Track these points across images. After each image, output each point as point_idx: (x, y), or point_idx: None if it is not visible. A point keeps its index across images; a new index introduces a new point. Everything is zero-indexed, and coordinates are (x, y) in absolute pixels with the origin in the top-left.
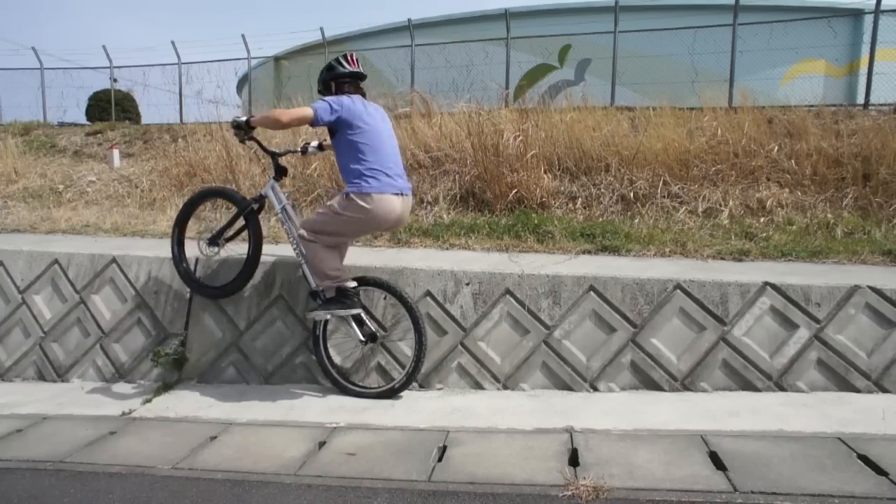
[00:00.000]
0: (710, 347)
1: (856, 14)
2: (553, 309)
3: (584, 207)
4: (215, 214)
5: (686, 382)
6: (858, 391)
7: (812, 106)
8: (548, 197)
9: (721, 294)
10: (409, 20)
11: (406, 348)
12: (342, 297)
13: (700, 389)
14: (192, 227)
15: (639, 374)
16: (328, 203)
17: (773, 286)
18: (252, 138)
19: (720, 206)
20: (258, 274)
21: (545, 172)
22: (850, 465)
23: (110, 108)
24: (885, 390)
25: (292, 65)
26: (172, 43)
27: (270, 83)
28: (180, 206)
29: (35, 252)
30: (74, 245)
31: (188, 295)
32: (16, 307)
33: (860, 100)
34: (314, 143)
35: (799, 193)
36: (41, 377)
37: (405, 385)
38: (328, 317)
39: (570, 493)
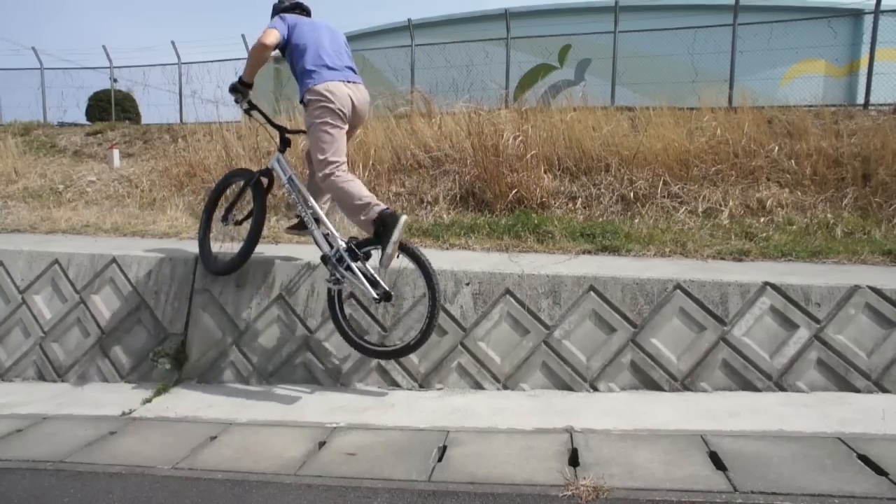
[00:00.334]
0: (710, 347)
1: (856, 14)
2: (553, 309)
3: (584, 207)
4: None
5: (686, 382)
6: (858, 391)
7: (812, 106)
8: (548, 197)
9: (721, 294)
10: (409, 20)
11: (420, 307)
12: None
13: (700, 389)
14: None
15: (639, 374)
16: (309, 125)
17: (773, 286)
18: (255, 107)
19: (720, 206)
20: (258, 274)
21: (545, 172)
22: (850, 465)
23: (110, 108)
24: (885, 390)
25: None
26: (172, 43)
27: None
28: (207, 197)
29: (35, 252)
30: (74, 245)
31: (188, 295)
32: (16, 307)
33: (860, 100)
34: None
35: (799, 193)
36: (41, 377)
37: (421, 342)
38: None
39: (570, 493)
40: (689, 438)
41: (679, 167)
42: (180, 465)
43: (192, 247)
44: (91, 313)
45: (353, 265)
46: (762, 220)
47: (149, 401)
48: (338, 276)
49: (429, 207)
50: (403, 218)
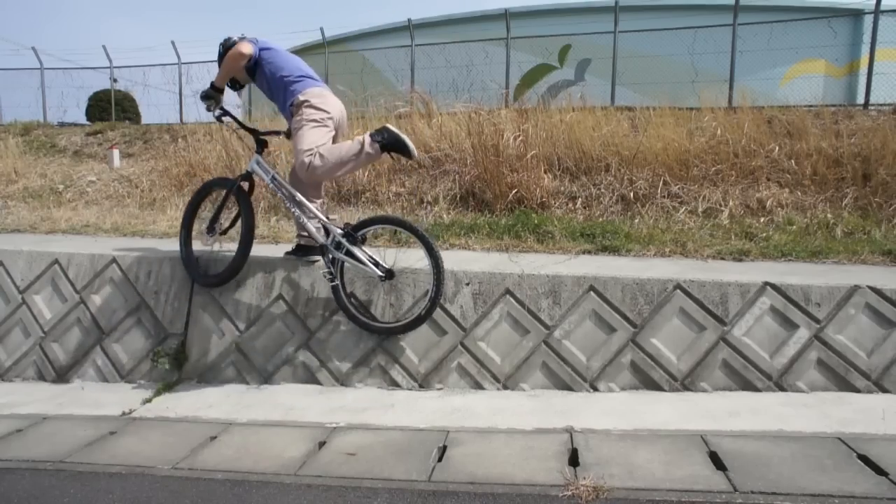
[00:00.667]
0: (710, 347)
1: (856, 14)
2: (553, 309)
3: (584, 207)
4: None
5: (686, 382)
6: (858, 391)
7: (812, 106)
8: (548, 197)
9: (721, 294)
10: (409, 20)
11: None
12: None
13: (700, 389)
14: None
15: (639, 374)
16: (299, 126)
17: (773, 286)
18: (227, 113)
19: (720, 206)
20: (258, 274)
21: (545, 172)
22: (850, 465)
23: (110, 108)
24: (885, 390)
25: None
26: (172, 43)
27: None
28: (183, 211)
29: (35, 252)
30: (74, 245)
31: (188, 295)
32: (16, 307)
33: (860, 100)
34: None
35: (799, 193)
36: (41, 377)
37: (430, 311)
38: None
39: (570, 493)
40: (689, 438)
41: (679, 167)
42: (180, 465)
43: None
44: (91, 313)
45: (353, 249)
46: (762, 220)
47: (149, 401)
48: (333, 270)
49: (429, 207)
50: (394, 129)
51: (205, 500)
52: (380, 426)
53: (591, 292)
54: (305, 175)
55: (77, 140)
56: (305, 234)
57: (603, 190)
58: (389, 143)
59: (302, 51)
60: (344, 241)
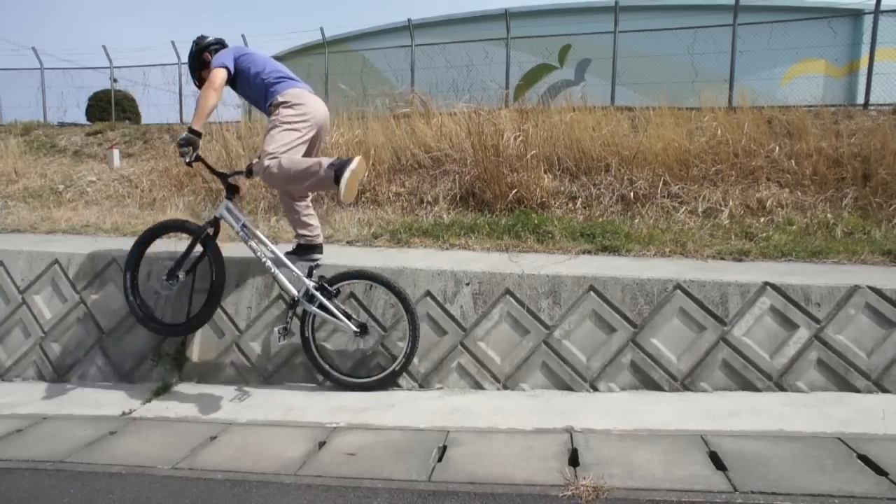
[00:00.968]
0: (710, 347)
1: (856, 14)
2: (553, 309)
3: (584, 207)
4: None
5: (686, 382)
6: (858, 391)
7: (812, 106)
8: (548, 197)
9: (721, 294)
10: (409, 20)
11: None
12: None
13: (700, 389)
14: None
15: (639, 374)
16: (271, 126)
17: (773, 286)
18: (199, 159)
19: (720, 206)
20: (258, 274)
21: (545, 172)
22: (850, 465)
23: (110, 108)
24: (885, 390)
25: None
26: (172, 43)
27: None
28: (130, 248)
29: (35, 252)
30: (74, 245)
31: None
32: (16, 307)
33: (860, 100)
34: (256, 161)
35: (799, 193)
36: (41, 377)
37: (405, 366)
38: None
39: (570, 493)
40: (689, 438)
41: (679, 167)
42: (180, 465)
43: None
44: (91, 313)
45: (326, 302)
46: (762, 220)
47: (149, 401)
48: (289, 325)
49: (429, 207)
50: (358, 158)
51: (205, 500)
52: (380, 426)
53: (591, 292)
54: (262, 178)
55: (77, 140)
56: (305, 233)
57: (603, 190)
58: (339, 175)
59: (302, 51)
60: (317, 293)
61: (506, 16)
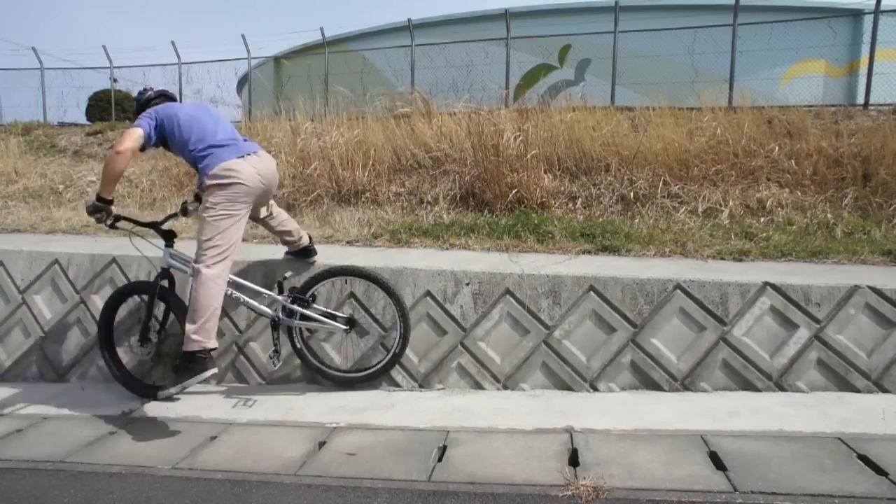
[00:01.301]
0: (710, 347)
1: (856, 14)
2: (553, 309)
3: (584, 207)
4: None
5: (686, 382)
6: (858, 391)
7: (812, 106)
8: (548, 197)
9: (721, 294)
10: (409, 20)
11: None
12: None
13: (700, 389)
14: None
15: (639, 374)
16: (205, 215)
17: (773, 286)
18: (120, 218)
19: (720, 206)
20: (258, 274)
21: (545, 172)
22: (850, 465)
23: (110, 108)
24: (885, 390)
25: (292, 65)
26: (172, 43)
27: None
28: (98, 326)
29: (35, 252)
30: (74, 245)
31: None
32: (16, 307)
33: (860, 100)
34: (191, 200)
35: (799, 193)
36: (41, 377)
37: (398, 358)
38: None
39: (570, 493)
40: (689, 438)
41: (679, 167)
42: (180, 465)
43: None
44: (91, 313)
45: (306, 311)
46: (762, 220)
47: (148, 401)
48: (278, 346)
49: (429, 207)
50: (211, 372)
51: (205, 500)
52: (380, 426)
53: (591, 292)
54: (194, 265)
55: (77, 140)
56: (289, 239)
57: (603, 190)
58: (189, 360)
59: (302, 51)
60: (295, 306)
61: (506, 16)
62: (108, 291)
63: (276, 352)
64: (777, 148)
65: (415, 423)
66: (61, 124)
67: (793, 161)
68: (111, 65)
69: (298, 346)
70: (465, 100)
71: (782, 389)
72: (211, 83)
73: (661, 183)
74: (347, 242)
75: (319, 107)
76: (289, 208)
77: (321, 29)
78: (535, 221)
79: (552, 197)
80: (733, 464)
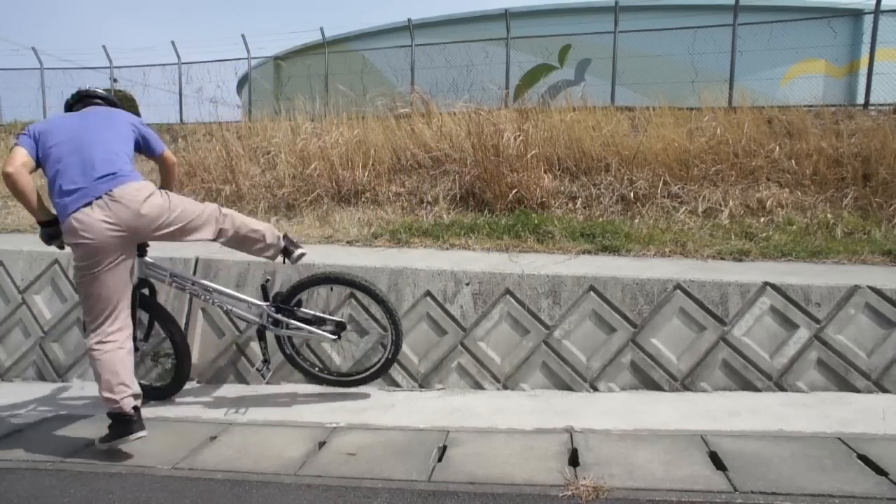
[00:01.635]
0: (710, 347)
1: (856, 14)
2: (553, 309)
3: (584, 207)
4: None
5: (686, 382)
6: (858, 391)
7: (812, 106)
8: (548, 197)
9: (721, 294)
10: (409, 20)
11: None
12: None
13: (700, 389)
14: None
15: (639, 374)
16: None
17: (773, 286)
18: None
19: (720, 206)
20: (258, 274)
21: (545, 172)
22: (850, 465)
23: None
24: (885, 390)
25: (292, 65)
26: (172, 43)
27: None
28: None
29: (35, 252)
30: None
31: (188, 295)
32: (16, 307)
33: (860, 100)
34: None
35: (799, 193)
36: (41, 377)
37: (390, 363)
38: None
39: (570, 493)
40: (689, 438)
41: (679, 167)
42: (180, 465)
43: (193, 247)
44: None
45: (292, 320)
46: (762, 220)
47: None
48: (267, 356)
49: (429, 207)
50: (137, 436)
51: (205, 500)
52: (380, 426)
53: (591, 292)
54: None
55: None
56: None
57: (603, 190)
58: (117, 427)
59: (302, 51)
60: (280, 315)
61: (506, 16)
62: None
63: (266, 361)
64: (777, 148)
65: (415, 423)
66: None
67: (793, 161)
68: (111, 65)
69: (288, 352)
70: (465, 100)
71: (782, 389)
72: (211, 83)
73: (661, 183)
74: (347, 242)
75: (319, 107)
76: (289, 208)
77: (321, 29)
78: (535, 221)
79: (552, 197)
80: (733, 464)
